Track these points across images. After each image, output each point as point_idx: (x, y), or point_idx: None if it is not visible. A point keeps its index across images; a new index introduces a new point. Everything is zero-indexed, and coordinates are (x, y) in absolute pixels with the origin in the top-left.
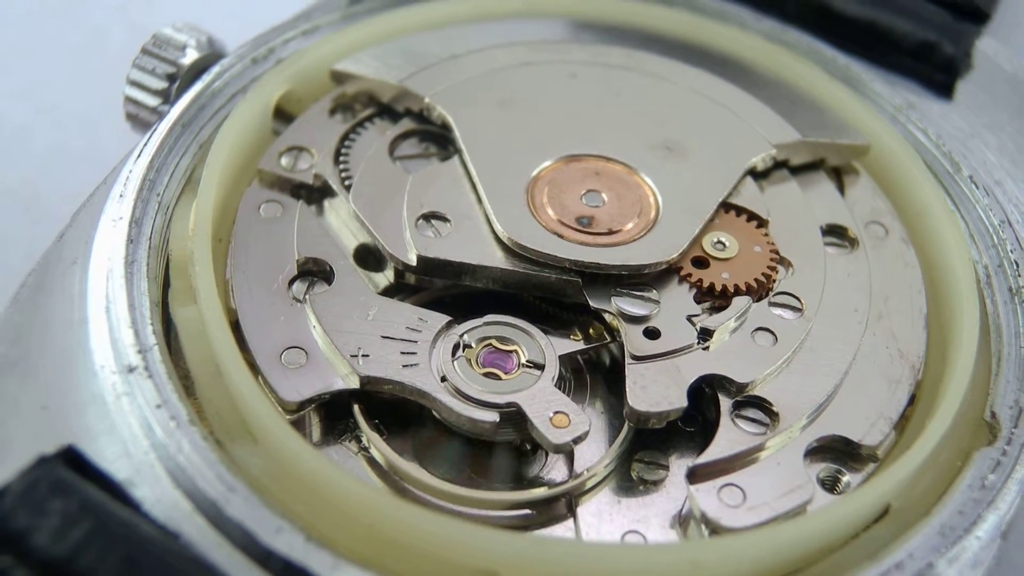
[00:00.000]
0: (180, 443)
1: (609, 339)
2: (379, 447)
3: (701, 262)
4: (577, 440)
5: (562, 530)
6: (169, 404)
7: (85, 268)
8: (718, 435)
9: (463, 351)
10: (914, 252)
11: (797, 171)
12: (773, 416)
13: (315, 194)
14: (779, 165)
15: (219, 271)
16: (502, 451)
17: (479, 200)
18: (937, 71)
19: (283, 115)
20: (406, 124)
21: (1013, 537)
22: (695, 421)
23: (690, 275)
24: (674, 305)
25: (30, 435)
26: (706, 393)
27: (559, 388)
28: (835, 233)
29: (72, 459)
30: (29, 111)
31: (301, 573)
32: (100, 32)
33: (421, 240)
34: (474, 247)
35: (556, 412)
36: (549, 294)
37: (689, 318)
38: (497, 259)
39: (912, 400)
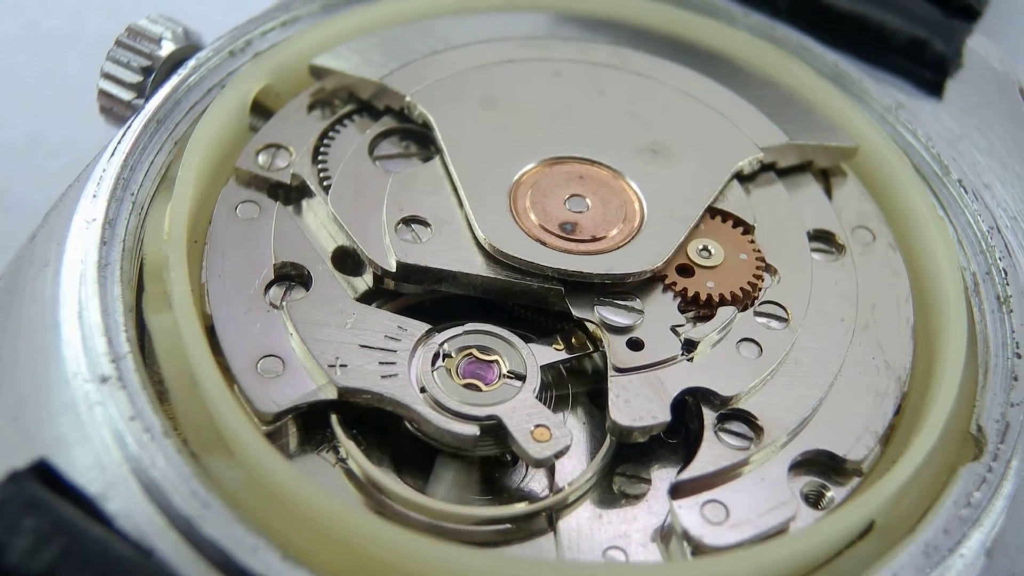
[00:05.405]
0: (154, 457)
1: (592, 348)
2: (357, 459)
3: (686, 270)
4: (558, 455)
5: (543, 544)
6: (143, 416)
7: (57, 272)
8: (701, 450)
9: (443, 361)
10: (901, 258)
11: (784, 174)
12: (757, 430)
13: (293, 194)
14: (766, 168)
15: (194, 274)
16: (482, 462)
17: (460, 204)
18: (927, 69)
19: (261, 110)
20: (386, 122)
21: (997, 554)
22: (678, 433)
23: (675, 284)
24: (658, 314)
25: (1, 446)
26: (689, 404)
27: (540, 399)
28: (822, 239)
29: (44, 474)
30: (3, 101)
31: None
32: (76, 21)
33: (401, 246)
34: (455, 253)
35: (537, 426)
36: (531, 302)
37: (673, 328)
38: (478, 266)
39: (898, 411)
